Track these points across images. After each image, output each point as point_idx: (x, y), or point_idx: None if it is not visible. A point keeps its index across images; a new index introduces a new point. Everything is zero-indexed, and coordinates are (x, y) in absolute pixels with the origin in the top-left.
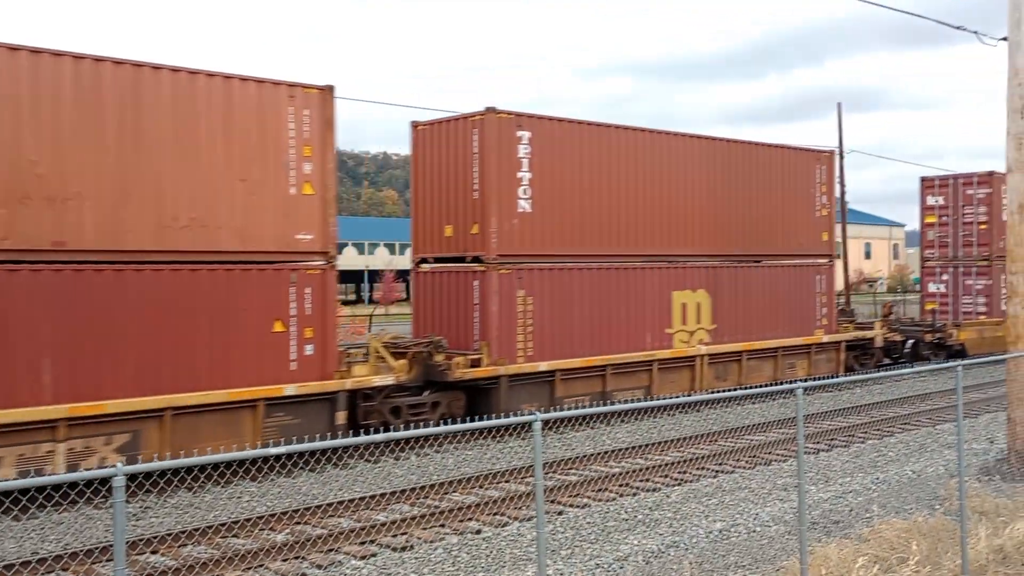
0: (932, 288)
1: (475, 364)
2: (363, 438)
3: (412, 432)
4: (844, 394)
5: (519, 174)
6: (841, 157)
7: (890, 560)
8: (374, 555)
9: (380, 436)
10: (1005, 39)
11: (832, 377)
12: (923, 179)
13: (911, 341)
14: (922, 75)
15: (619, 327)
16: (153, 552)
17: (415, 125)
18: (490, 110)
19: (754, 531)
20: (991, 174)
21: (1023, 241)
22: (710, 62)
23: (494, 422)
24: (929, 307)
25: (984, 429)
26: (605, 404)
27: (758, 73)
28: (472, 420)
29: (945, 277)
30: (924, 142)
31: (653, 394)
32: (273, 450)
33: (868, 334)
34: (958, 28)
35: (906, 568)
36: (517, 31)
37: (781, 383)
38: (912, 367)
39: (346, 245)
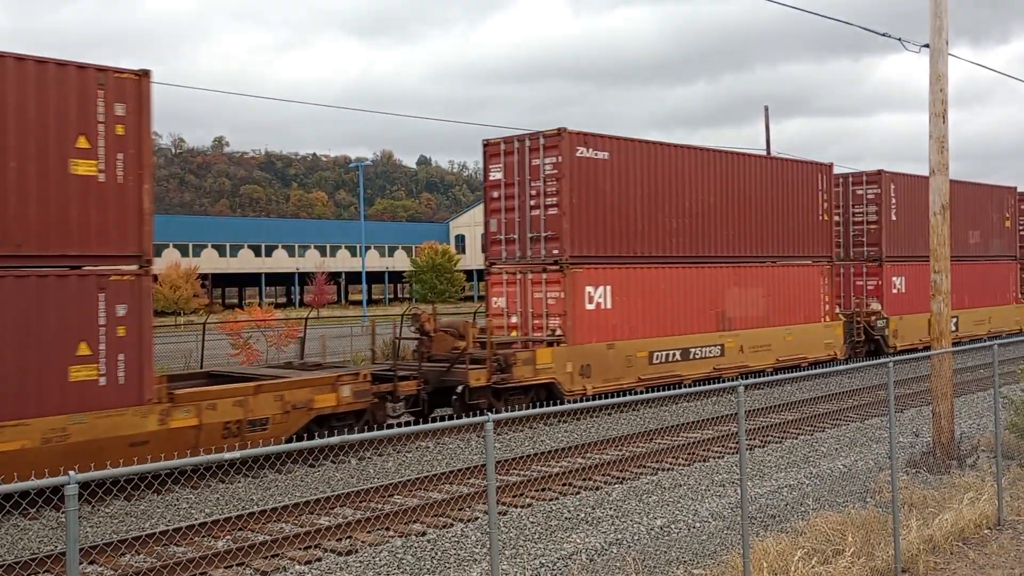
0: None
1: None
2: (300, 444)
3: (353, 436)
4: (775, 391)
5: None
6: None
7: (826, 552)
8: (319, 559)
9: (318, 442)
10: (927, 46)
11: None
12: None
13: None
14: (846, 82)
15: None
16: (91, 563)
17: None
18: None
19: (694, 527)
20: None
21: (945, 241)
22: (642, 67)
23: (443, 424)
24: None
25: (910, 423)
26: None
27: (688, 78)
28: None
29: None
30: (846, 144)
31: None
32: (214, 457)
33: None
34: (883, 35)
35: (842, 559)
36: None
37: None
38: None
39: (276, 247)
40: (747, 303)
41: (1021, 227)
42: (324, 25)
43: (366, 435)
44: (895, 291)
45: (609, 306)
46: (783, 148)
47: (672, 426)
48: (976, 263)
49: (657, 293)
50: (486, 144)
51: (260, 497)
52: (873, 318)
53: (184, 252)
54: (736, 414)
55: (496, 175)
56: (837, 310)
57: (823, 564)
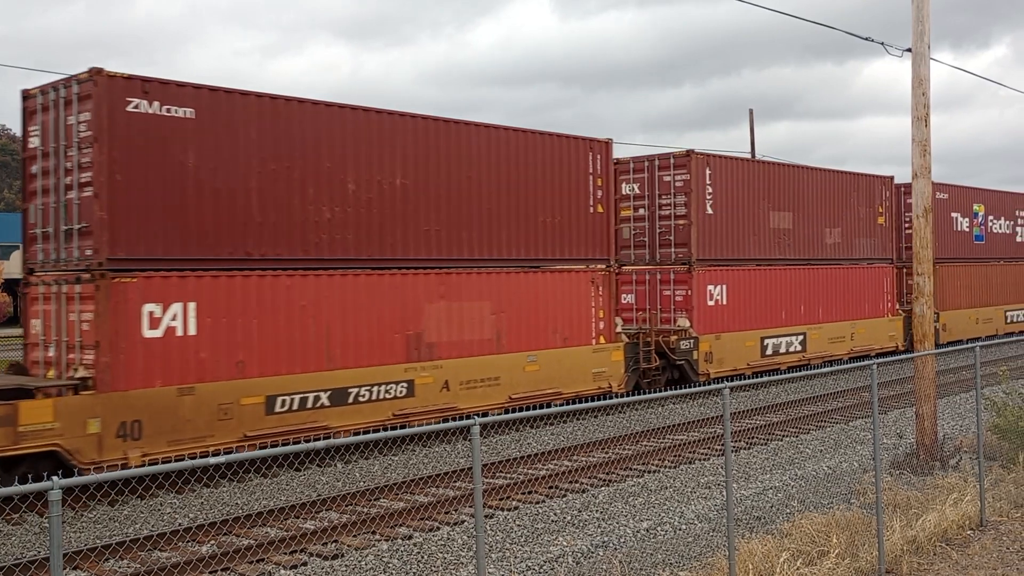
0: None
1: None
2: (286, 448)
3: (340, 440)
4: (760, 393)
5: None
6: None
7: (811, 553)
8: (304, 564)
9: (302, 446)
10: (910, 50)
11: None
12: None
13: None
14: (831, 85)
15: None
16: (75, 568)
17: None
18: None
19: (680, 529)
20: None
21: (928, 244)
22: (630, 71)
23: (429, 428)
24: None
25: (893, 425)
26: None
27: (676, 81)
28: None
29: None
30: (835, 146)
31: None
32: (197, 462)
33: None
34: (867, 39)
35: (827, 560)
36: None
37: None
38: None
39: None
40: (463, 323)
41: (907, 224)
42: (313, 28)
43: (353, 439)
44: (711, 303)
45: (192, 331)
46: (770, 150)
47: (658, 428)
48: (835, 268)
49: (291, 310)
50: (25, 96)
51: (244, 501)
52: (675, 338)
53: None
54: (721, 416)
55: (34, 142)
56: (618, 328)
57: (808, 565)
